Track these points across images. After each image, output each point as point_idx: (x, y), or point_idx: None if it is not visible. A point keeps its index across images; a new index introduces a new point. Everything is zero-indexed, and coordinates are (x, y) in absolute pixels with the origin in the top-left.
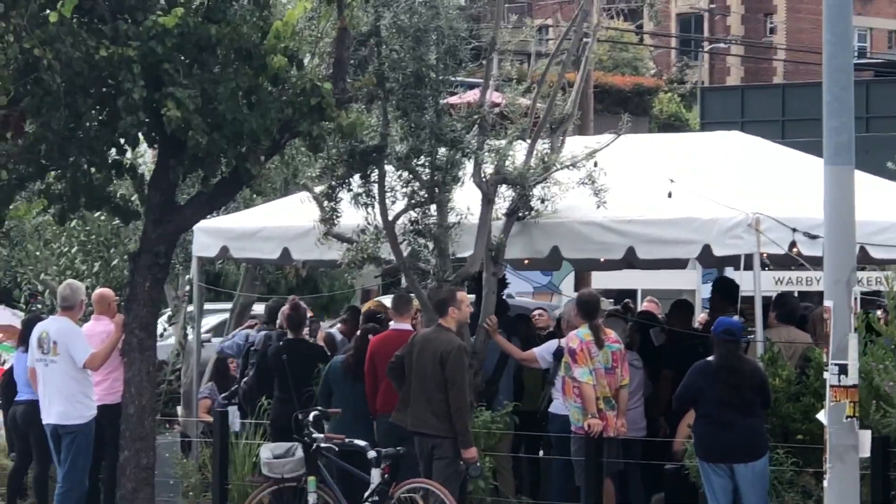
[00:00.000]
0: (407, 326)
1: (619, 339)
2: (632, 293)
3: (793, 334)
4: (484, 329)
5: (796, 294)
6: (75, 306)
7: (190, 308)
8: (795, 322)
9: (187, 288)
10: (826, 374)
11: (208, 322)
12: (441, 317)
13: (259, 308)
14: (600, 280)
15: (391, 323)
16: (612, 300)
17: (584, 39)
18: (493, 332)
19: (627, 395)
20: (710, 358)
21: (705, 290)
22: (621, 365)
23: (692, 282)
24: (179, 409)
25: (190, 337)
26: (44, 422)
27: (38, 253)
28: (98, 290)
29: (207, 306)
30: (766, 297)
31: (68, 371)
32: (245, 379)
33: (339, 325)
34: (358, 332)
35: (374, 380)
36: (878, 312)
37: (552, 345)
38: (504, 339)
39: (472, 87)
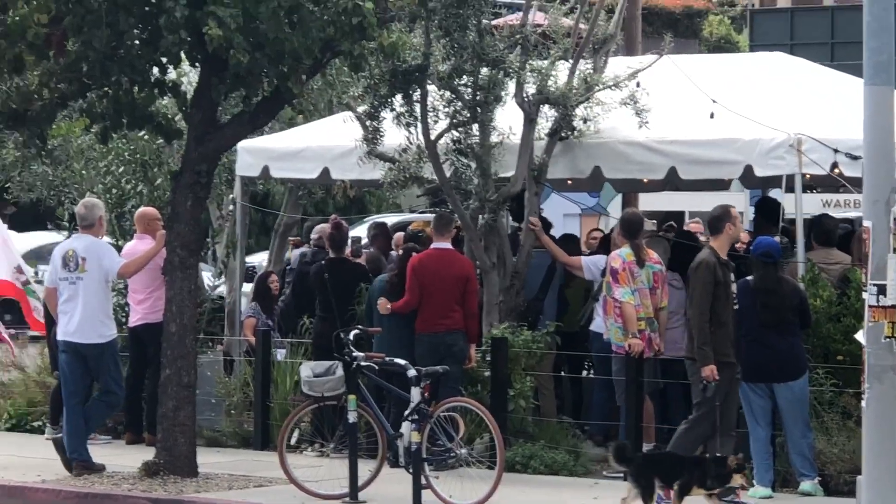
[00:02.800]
0: (448, 246)
1: (661, 261)
2: (679, 215)
3: (832, 255)
4: (526, 249)
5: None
6: (94, 223)
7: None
8: (835, 243)
9: (231, 208)
10: (865, 295)
11: None
12: (714, 235)
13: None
14: (648, 202)
15: (433, 243)
16: (654, 221)
17: None
18: (539, 234)
19: (667, 316)
20: (750, 278)
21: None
22: (662, 287)
23: (741, 203)
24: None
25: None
26: (60, 338)
27: (83, 172)
28: (140, 209)
29: None
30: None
31: (95, 288)
32: (282, 298)
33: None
34: (400, 251)
35: (414, 296)
36: None
37: (601, 259)
38: (549, 240)
39: (515, 8)
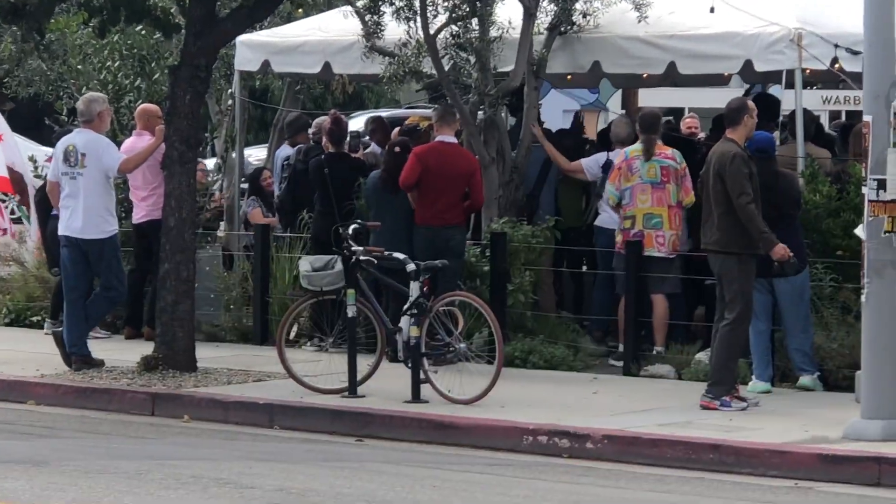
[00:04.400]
0: (452, 139)
1: (676, 157)
2: (679, 111)
3: (809, 150)
4: (525, 143)
5: (844, 113)
6: (94, 118)
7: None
8: (811, 137)
9: (230, 102)
10: (864, 189)
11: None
12: (732, 127)
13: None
14: (647, 98)
15: (437, 136)
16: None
17: None
18: (541, 138)
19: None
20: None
21: None
22: (675, 181)
23: None
24: (221, 224)
25: (232, 152)
26: (61, 233)
27: (79, 67)
28: (141, 105)
29: None
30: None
31: (95, 184)
32: (278, 194)
33: (368, 138)
34: (387, 147)
35: (417, 184)
36: None
37: (601, 157)
38: (551, 146)
39: None
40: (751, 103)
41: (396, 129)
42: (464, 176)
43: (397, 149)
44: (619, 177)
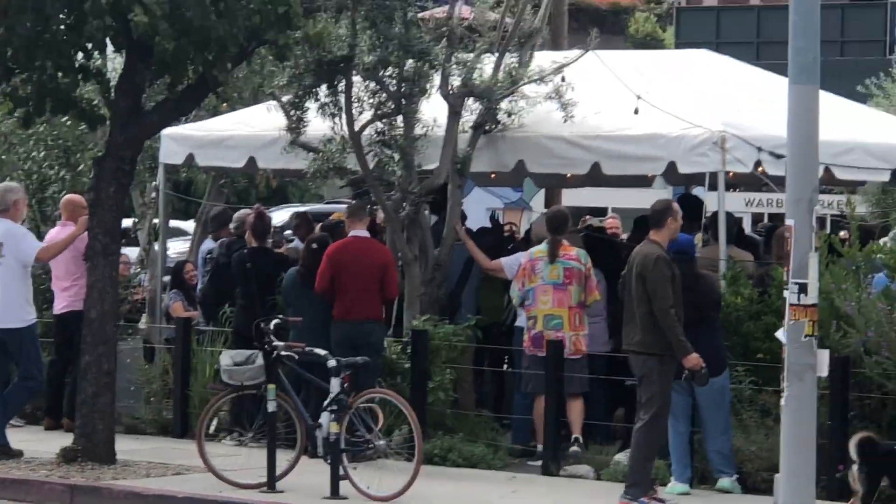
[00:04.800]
0: (364, 233)
1: (580, 258)
2: (602, 211)
3: (732, 253)
4: (448, 241)
5: (766, 216)
6: (10, 207)
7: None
8: (733, 241)
9: (154, 195)
10: (786, 293)
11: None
12: (656, 229)
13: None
14: (570, 197)
15: (349, 231)
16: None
17: None
18: (463, 237)
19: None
20: None
21: None
22: (579, 282)
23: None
24: (143, 316)
25: (155, 245)
26: None
27: (3, 157)
28: (66, 196)
29: None
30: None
31: (13, 273)
32: (200, 288)
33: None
34: (305, 243)
35: (328, 285)
36: (842, 234)
37: (521, 255)
38: (474, 244)
39: (442, 1)
40: (675, 205)
41: (319, 224)
42: (378, 268)
43: (314, 245)
44: (524, 277)
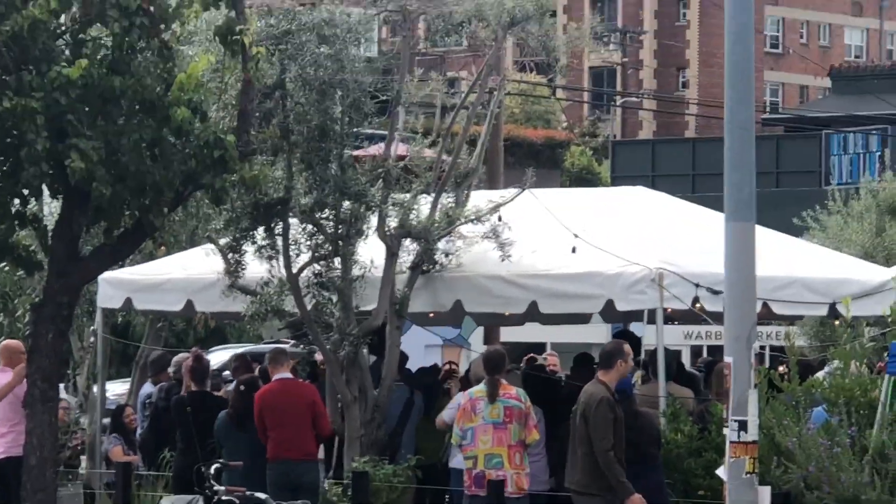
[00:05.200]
0: (287, 375)
1: (520, 397)
2: (541, 347)
3: (670, 390)
4: (387, 382)
5: (705, 348)
6: None
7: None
8: (673, 377)
9: (92, 339)
10: (726, 430)
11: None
12: (605, 369)
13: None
14: (509, 333)
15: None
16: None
17: (493, 93)
18: None
19: (523, 450)
20: None
21: None
22: (519, 421)
23: (603, 335)
24: (83, 461)
25: (94, 389)
26: None
27: None
28: (4, 342)
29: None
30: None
31: None
32: (140, 432)
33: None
34: (232, 386)
35: (263, 429)
36: (781, 368)
37: (460, 397)
38: None
39: (378, 139)
40: (627, 348)
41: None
42: (306, 406)
43: (243, 387)
44: (463, 418)
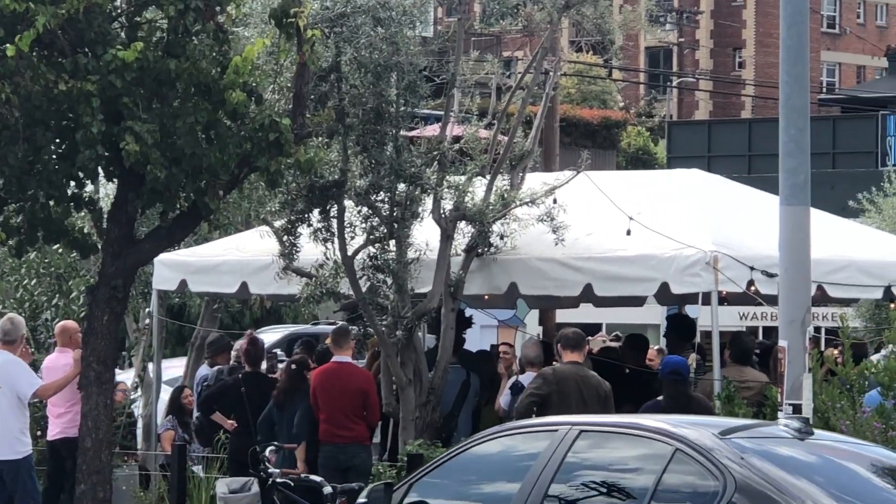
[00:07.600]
0: (346, 359)
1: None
2: (596, 327)
3: (745, 373)
4: (442, 364)
5: (760, 329)
6: (16, 340)
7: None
8: (750, 362)
9: (147, 321)
10: (780, 414)
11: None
12: (575, 350)
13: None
14: (564, 314)
15: (333, 357)
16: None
17: (548, 74)
18: None
19: None
20: (661, 398)
21: None
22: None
23: (658, 316)
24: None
25: (150, 370)
26: None
27: None
28: (61, 323)
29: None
30: (730, 332)
31: (9, 405)
32: (197, 415)
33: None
34: (285, 364)
35: (317, 409)
36: (835, 351)
37: (510, 382)
38: None
39: (433, 120)
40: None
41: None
42: (359, 394)
43: (294, 366)
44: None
